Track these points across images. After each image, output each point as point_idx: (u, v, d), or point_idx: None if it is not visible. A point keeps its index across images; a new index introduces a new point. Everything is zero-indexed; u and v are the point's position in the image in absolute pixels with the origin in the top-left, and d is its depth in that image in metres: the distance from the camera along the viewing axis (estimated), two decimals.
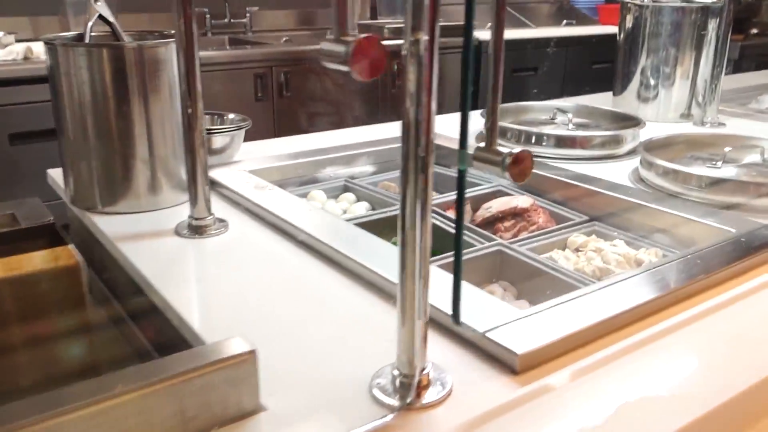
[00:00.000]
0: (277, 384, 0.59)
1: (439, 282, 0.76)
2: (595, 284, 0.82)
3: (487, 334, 0.64)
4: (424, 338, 0.56)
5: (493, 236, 1.00)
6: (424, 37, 0.47)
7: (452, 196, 1.18)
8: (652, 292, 0.75)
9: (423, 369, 0.58)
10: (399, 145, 1.38)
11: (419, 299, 0.55)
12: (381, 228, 1.09)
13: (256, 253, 0.88)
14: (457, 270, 0.56)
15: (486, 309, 0.70)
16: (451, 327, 0.68)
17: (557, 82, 3.78)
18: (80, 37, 1.06)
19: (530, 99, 1.94)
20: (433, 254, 1.04)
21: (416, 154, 0.51)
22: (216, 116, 1.29)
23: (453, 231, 1.03)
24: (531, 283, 0.93)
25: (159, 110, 1.00)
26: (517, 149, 0.55)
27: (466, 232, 1.03)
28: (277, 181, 1.20)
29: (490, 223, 1.08)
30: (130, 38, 1.11)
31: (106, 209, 1.00)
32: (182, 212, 0.98)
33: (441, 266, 0.92)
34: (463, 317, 0.66)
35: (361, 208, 1.18)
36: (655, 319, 0.72)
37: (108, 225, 0.96)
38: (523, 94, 3.60)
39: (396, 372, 0.58)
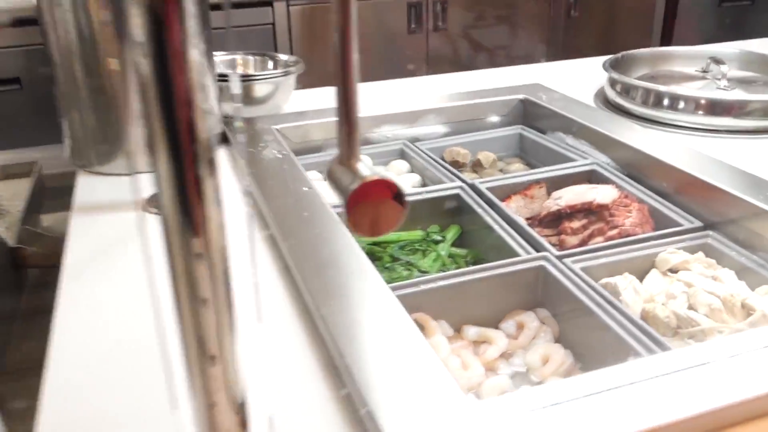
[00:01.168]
0: None
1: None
2: (654, 354, 0.54)
3: None
4: None
5: (543, 242, 0.73)
6: None
7: (528, 176, 0.91)
8: (734, 393, 0.46)
9: None
10: (493, 99, 1.11)
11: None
12: (412, 215, 0.86)
13: None
14: None
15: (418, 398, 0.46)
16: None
17: None
18: None
19: (741, 37, 1.53)
20: (470, 259, 0.79)
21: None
22: (266, 58, 1.12)
23: (503, 233, 0.78)
24: (578, 321, 0.65)
25: None
26: (374, 177, 0.30)
27: (512, 233, 0.76)
28: (314, 141, 1.01)
29: (557, 220, 0.80)
30: None
31: (100, 168, 0.88)
32: None
33: (465, 282, 0.68)
34: (376, 402, 0.44)
35: (407, 183, 0.95)
36: None
37: (85, 188, 0.84)
38: (731, 30, 2.98)
39: None
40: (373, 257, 0.83)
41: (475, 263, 0.82)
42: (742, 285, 0.65)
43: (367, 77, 1.24)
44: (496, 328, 0.69)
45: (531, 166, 1.05)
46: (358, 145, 0.33)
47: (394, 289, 0.65)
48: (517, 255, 0.72)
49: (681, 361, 0.48)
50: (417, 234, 0.84)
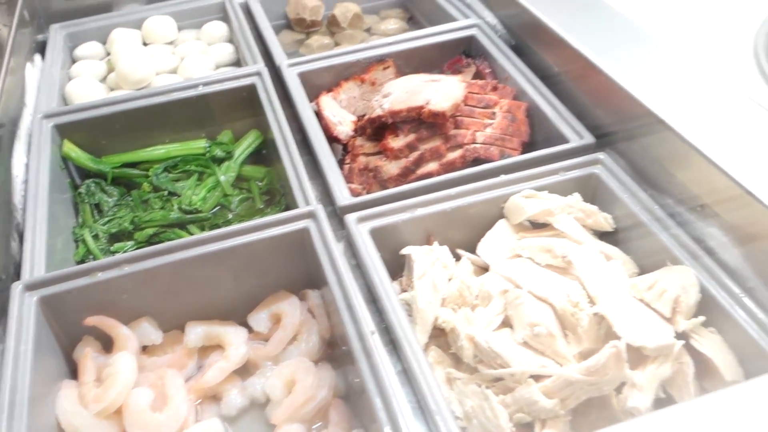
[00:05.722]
0: None
1: None
2: None
3: None
4: None
5: (333, 180, 0.46)
6: None
7: (363, 52, 0.61)
8: None
9: None
10: None
11: None
12: (196, 116, 0.58)
13: None
14: None
15: None
16: None
17: None
18: None
19: None
20: (267, 184, 0.52)
21: None
22: None
23: (287, 161, 0.51)
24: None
25: None
26: None
27: (296, 161, 0.49)
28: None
29: (381, 130, 0.52)
30: None
31: None
32: None
33: (191, 259, 0.43)
34: None
35: (216, 57, 0.66)
36: None
37: None
38: None
39: None
40: (129, 184, 0.57)
41: (270, 193, 0.56)
42: (613, 270, 0.39)
43: None
44: (243, 322, 0.45)
45: (415, 23, 0.75)
46: None
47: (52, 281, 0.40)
48: (294, 202, 0.46)
49: None
50: (197, 146, 0.58)
